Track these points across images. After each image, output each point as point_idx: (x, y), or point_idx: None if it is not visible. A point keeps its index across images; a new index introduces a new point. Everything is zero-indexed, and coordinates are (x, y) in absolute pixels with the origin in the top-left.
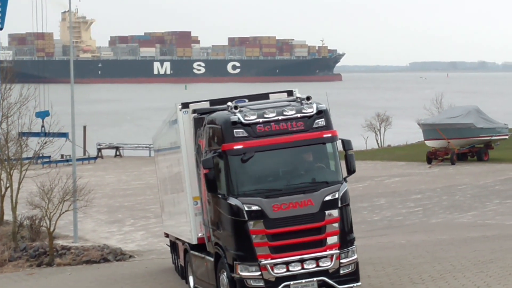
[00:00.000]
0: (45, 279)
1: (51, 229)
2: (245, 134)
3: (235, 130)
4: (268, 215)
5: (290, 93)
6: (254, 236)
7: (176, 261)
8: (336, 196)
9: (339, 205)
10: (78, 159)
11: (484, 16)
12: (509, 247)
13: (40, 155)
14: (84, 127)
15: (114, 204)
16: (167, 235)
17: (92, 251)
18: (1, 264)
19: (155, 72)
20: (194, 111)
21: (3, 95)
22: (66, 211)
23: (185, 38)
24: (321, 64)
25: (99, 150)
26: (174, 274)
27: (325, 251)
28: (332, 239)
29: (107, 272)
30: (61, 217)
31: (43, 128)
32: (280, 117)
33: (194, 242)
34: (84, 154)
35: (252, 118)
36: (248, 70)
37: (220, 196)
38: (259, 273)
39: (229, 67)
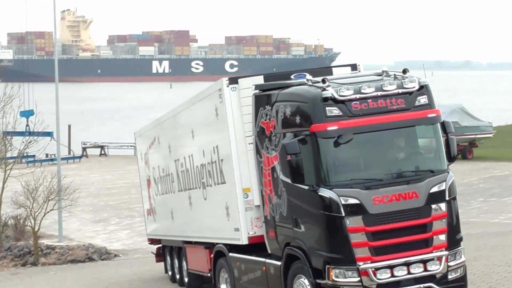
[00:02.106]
0: (30, 278)
1: (36, 228)
2: (339, 113)
3: (327, 108)
4: (368, 209)
5: (354, 67)
6: (352, 234)
7: (176, 270)
8: (443, 187)
9: (447, 198)
10: (63, 158)
11: (469, 15)
12: (493, 245)
13: (25, 154)
14: (69, 126)
15: (99, 203)
16: (152, 242)
17: (77, 251)
18: None
19: (154, 71)
20: (257, 87)
21: None
22: (50, 210)
23: (183, 37)
24: (317, 63)
25: (84, 149)
26: (160, 273)
27: (432, 252)
28: (440, 238)
29: (92, 271)
30: (46, 217)
31: (27, 127)
32: (379, 93)
33: (245, 242)
34: (69, 153)
35: (348, 93)
36: (246, 69)
37: (307, 187)
38: (357, 279)
39: (226, 65)
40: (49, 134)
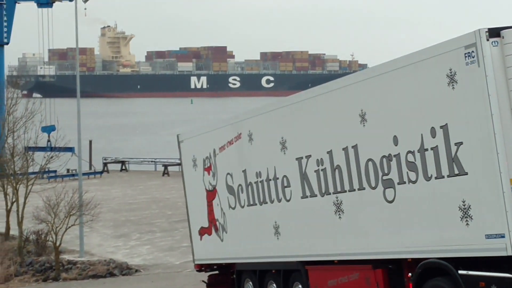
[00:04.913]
0: None
1: (57, 243)
2: None
3: None
4: None
5: None
6: None
7: None
8: None
9: None
10: (84, 174)
11: None
12: None
13: (46, 169)
14: (90, 142)
15: (120, 218)
16: (202, 269)
17: (98, 266)
18: (7, 279)
19: (192, 86)
20: None
21: (9, 109)
22: (72, 225)
23: (220, 53)
24: None
25: (105, 164)
26: None
27: None
28: None
29: (113, 286)
30: (67, 232)
31: (49, 143)
32: None
33: None
34: (90, 168)
35: None
36: (282, 85)
37: None
38: None
39: (263, 81)
40: (70, 149)
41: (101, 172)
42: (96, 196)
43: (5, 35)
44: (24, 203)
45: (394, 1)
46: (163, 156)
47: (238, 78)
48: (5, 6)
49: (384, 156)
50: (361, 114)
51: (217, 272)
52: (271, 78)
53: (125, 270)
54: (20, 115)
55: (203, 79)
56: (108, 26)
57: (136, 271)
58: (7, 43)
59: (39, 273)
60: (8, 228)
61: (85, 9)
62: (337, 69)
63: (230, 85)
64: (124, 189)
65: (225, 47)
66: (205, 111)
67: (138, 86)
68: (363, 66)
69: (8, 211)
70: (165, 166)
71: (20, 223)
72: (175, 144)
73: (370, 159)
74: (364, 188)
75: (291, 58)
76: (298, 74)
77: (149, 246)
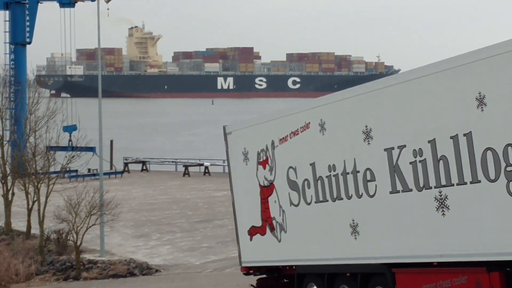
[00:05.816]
0: None
1: (78, 243)
2: None
3: None
4: None
5: None
6: None
7: None
8: None
9: None
10: (104, 173)
11: None
12: None
13: (67, 169)
14: (111, 141)
15: (141, 218)
16: (250, 272)
17: (118, 265)
18: (28, 277)
19: (219, 87)
20: None
21: (30, 108)
22: (93, 225)
23: (247, 54)
24: None
25: (126, 164)
26: None
27: None
28: None
29: (133, 286)
30: (87, 231)
31: (70, 142)
32: None
33: None
34: (111, 168)
35: None
36: (308, 86)
37: None
38: None
39: (289, 82)
40: (91, 149)
41: (122, 172)
42: (117, 196)
43: (27, 34)
44: (46, 202)
45: (421, 4)
46: (184, 156)
47: (264, 79)
48: (27, 5)
49: (509, 145)
50: (479, 97)
51: (265, 275)
52: (297, 79)
53: (145, 270)
54: (41, 114)
55: (230, 80)
56: (136, 27)
57: (156, 271)
58: (29, 43)
59: (59, 272)
60: (29, 227)
61: (108, 9)
62: (363, 71)
63: (257, 86)
64: (144, 189)
65: (252, 48)
66: (226, 111)
67: (165, 87)
68: (389, 68)
69: (30, 210)
70: (186, 167)
71: (41, 222)
72: (196, 144)
73: (489, 148)
74: (479, 181)
75: (317, 60)
76: (324, 75)
77: (169, 246)
